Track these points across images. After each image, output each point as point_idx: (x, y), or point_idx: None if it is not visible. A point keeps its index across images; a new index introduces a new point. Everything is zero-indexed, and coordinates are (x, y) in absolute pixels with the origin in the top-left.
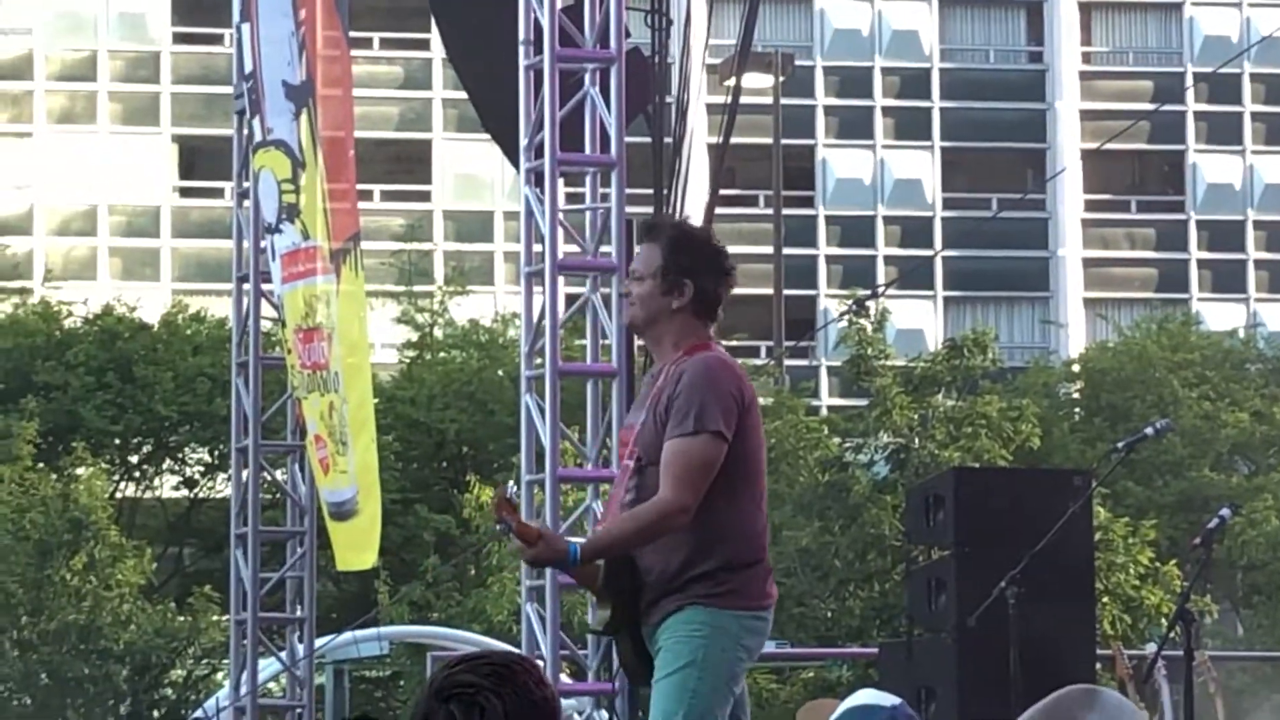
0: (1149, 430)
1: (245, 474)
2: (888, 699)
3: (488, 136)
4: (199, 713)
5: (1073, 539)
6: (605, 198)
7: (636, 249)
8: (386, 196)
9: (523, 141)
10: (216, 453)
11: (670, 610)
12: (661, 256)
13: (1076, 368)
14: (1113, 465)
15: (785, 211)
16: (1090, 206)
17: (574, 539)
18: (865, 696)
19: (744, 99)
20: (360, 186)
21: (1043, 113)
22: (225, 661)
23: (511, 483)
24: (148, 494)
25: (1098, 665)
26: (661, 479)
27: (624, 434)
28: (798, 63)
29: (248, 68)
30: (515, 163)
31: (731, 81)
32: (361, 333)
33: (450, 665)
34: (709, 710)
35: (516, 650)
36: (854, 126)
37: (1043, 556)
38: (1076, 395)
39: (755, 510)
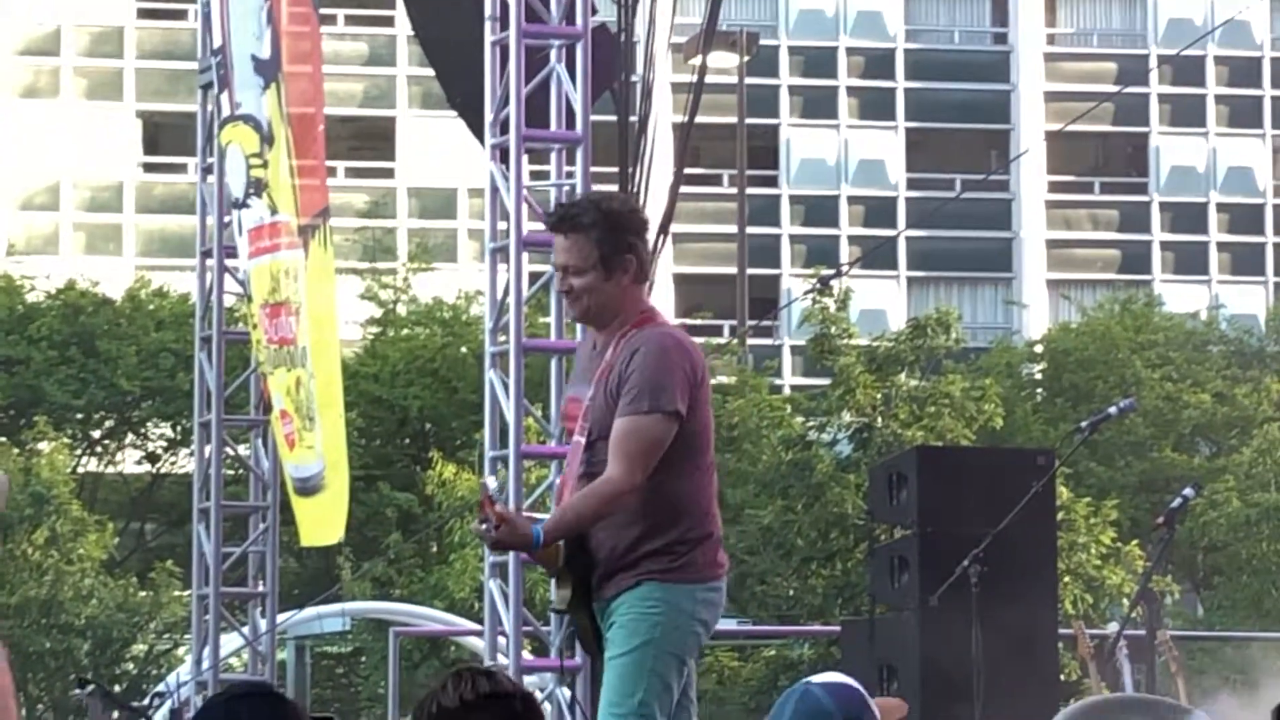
0: (1112, 410)
1: (208, 449)
2: (816, 679)
3: (453, 113)
4: (160, 687)
5: (1035, 518)
6: (570, 175)
7: (558, 240)
8: (351, 173)
9: (488, 118)
10: (179, 427)
11: (625, 586)
12: (596, 245)
13: (1039, 348)
14: (1075, 445)
15: (749, 191)
16: (1053, 188)
17: (537, 521)
18: (795, 690)
19: (709, 78)
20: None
21: (1007, 94)
22: (187, 636)
23: (492, 478)
24: (110, 469)
25: (1060, 644)
26: (610, 455)
27: (570, 407)
28: (762, 42)
29: (216, 42)
30: (480, 139)
31: (697, 60)
32: (330, 308)
33: (440, 687)
34: (667, 687)
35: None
36: (818, 106)
37: (1005, 536)
38: (1039, 375)
39: (705, 484)
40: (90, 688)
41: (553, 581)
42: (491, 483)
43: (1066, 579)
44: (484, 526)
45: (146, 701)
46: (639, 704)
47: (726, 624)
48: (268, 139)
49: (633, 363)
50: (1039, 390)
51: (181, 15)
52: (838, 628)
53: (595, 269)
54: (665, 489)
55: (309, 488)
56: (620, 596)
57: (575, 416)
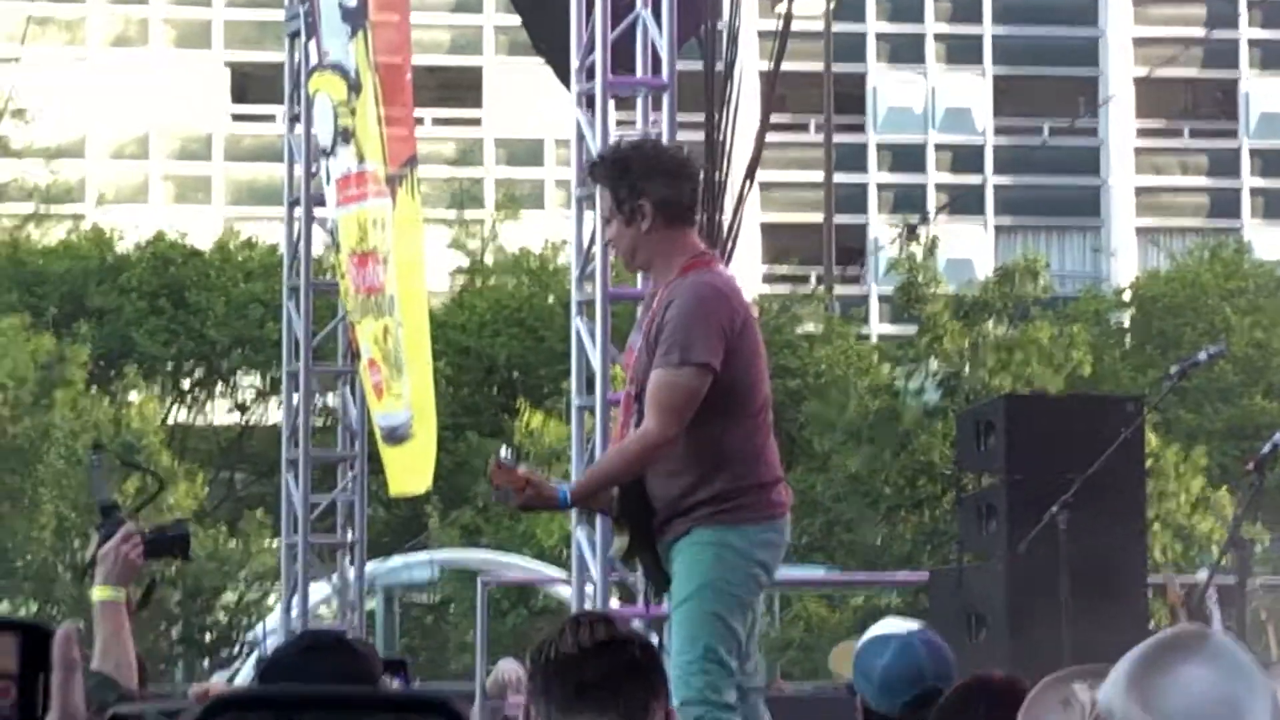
0: (1201, 356)
1: (296, 398)
2: (906, 625)
3: (540, 60)
4: (250, 636)
5: (1124, 465)
6: (656, 121)
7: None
8: (438, 122)
9: (574, 64)
10: (268, 377)
11: (680, 532)
12: (611, 192)
13: (1128, 295)
14: (1164, 391)
15: (836, 138)
16: (1142, 133)
17: (563, 483)
18: (884, 626)
19: (795, 25)
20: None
21: (1095, 39)
22: (276, 585)
23: (503, 448)
24: (199, 419)
25: (1149, 592)
26: (646, 409)
27: (626, 357)
28: None
29: None
30: (567, 86)
31: (782, 7)
32: (418, 257)
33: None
34: (730, 629)
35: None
36: (905, 52)
37: (1094, 483)
38: (1127, 322)
39: (753, 431)
40: (102, 452)
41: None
42: (504, 452)
43: (1155, 526)
44: (497, 495)
45: (236, 649)
46: (704, 649)
47: (814, 572)
48: (355, 87)
49: (668, 313)
50: (1127, 337)
51: None
52: (925, 575)
53: (615, 217)
54: (711, 438)
55: (397, 436)
56: (677, 543)
57: (629, 367)
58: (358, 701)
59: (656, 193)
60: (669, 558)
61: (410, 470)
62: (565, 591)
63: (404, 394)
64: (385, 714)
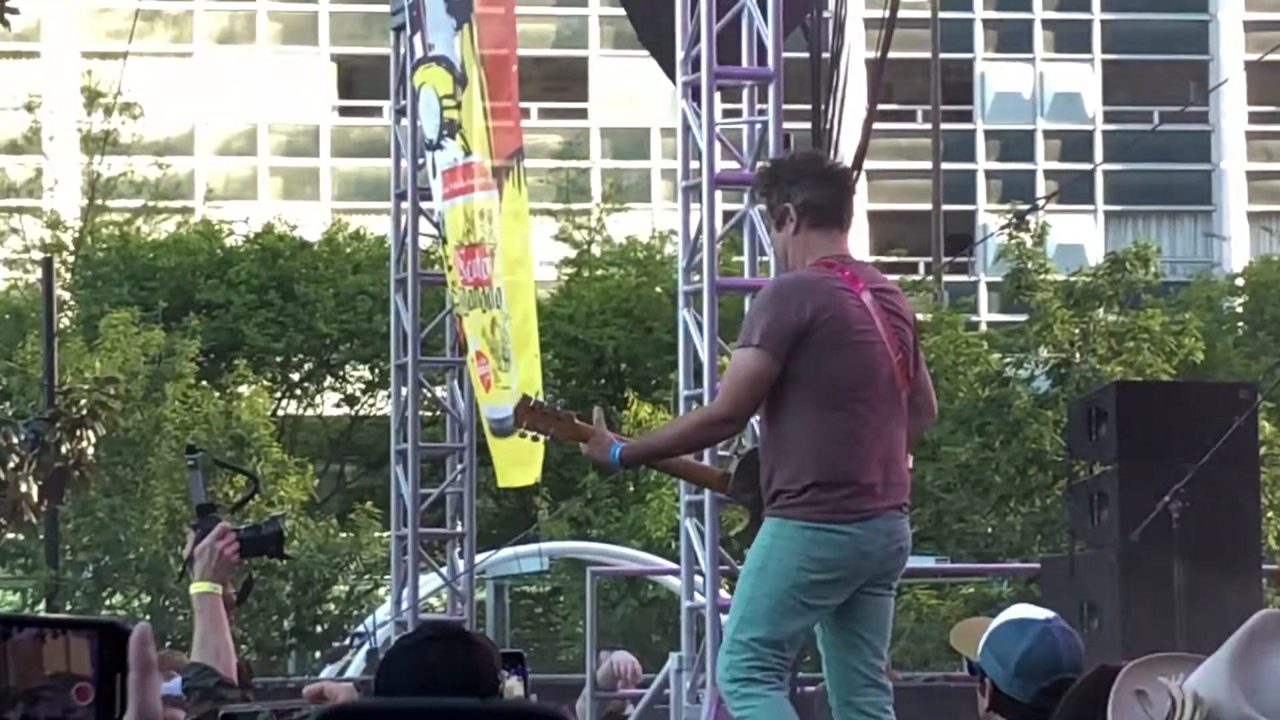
0: None
1: (405, 391)
2: (1042, 612)
3: (645, 52)
4: (360, 628)
5: (1237, 453)
6: (762, 112)
7: None
8: (544, 114)
9: (679, 55)
10: (377, 370)
11: (762, 520)
12: (766, 203)
13: (1240, 281)
14: (1278, 378)
15: (944, 126)
16: (1254, 119)
17: (619, 440)
18: (1020, 611)
19: (902, 12)
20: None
21: (1205, 24)
22: (387, 577)
23: (526, 394)
24: (309, 411)
25: (1264, 580)
26: (721, 387)
27: None
28: None
29: None
30: (672, 77)
31: None
32: (524, 249)
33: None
34: (770, 616)
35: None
36: (1013, 39)
37: (1207, 471)
38: (1240, 309)
39: (833, 432)
40: (198, 454)
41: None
42: (530, 398)
43: (1269, 514)
44: (526, 433)
45: (347, 641)
46: (739, 622)
47: (924, 562)
48: (460, 80)
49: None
50: (1240, 324)
51: None
52: (1037, 565)
53: (772, 225)
54: (786, 433)
55: (505, 429)
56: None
57: None
58: (471, 715)
59: (799, 197)
60: None
61: (518, 462)
62: (675, 582)
63: (511, 386)
64: None
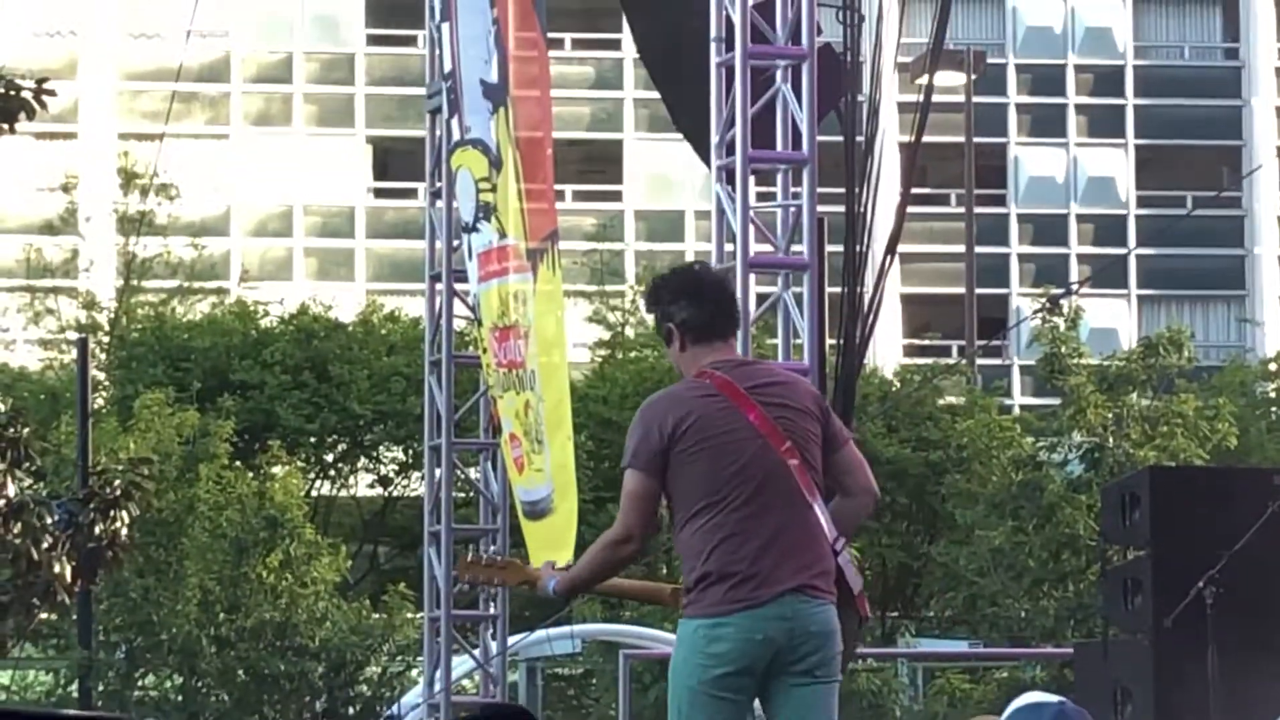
0: None
1: (439, 472)
2: (1052, 697)
3: (679, 135)
4: (392, 710)
5: (1272, 539)
6: (797, 195)
7: None
8: (578, 196)
9: (714, 139)
10: (410, 451)
11: None
12: (654, 321)
13: (1274, 366)
14: None
15: (977, 210)
16: None
17: (553, 576)
18: (1031, 697)
19: (936, 97)
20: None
21: (1239, 109)
22: (419, 659)
23: (470, 554)
24: (343, 492)
25: None
26: None
27: None
28: (990, 60)
29: (446, 67)
30: (706, 161)
31: (923, 79)
32: (559, 331)
33: None
34: (689, 713)
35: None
36: (1047, 124)
37: (1242, 557)
38: (1274, 394)
39: (709, 531)
40: None
41: None
42: (470, 554)
43: None
44: (467, 587)
45: None
46: None
47: (957, 646)
48: (496, 163)
49: None
50: (1274, 409)
51: (411, 41)
52: (1070, 650)
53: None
54: (680, 540)
55: (538, 511)
56: None
57: None
58: None
59: (676, 316)
60: None
61: (551, 544)
62: None
63: (545, 468)
64: None
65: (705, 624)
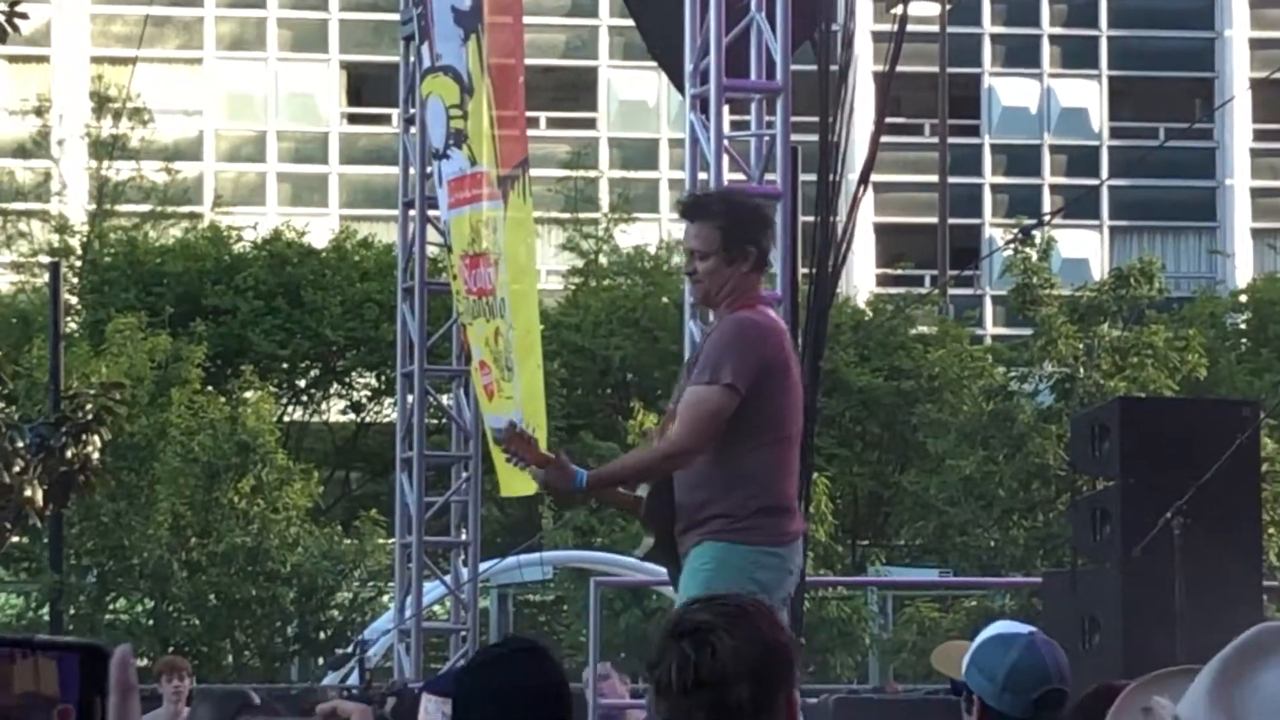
0: None
1: (411, 399)
2: (1023, 627)
3: (654, 63)
4: (363, 635)
5: (1239, 470)
6: (770, 124)
7: (688, 226)
8: (552, 124)
9: (688, 67)
10: (383, 377)
11: (693, 543)
12: (720, 233)
13: (1244, 298)
14: None
15: (950, 140)
16: (1259, 136)
17: (580, 471)
18: (1001, 626)
19: (910, 27)
20: (526, 114)
21: (1211, 41)
22: (390, 585)
23: (511, 419)
24: (315, 418)
25: (1264, 597)
26: (677, 421)
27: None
28: None
29: None
30: (681, 89)
31: (898, 9)
32: (529, 259)
33: (687, 605)
34: None
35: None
36: (1020, 55)
37: (1209, 487)
38: (1244, 326)
39: (774, 460)
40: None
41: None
42: (516, 421)
43: (1271, 531)
44: (511, 460)
45: (350, 649)
46: None
47: (927, 575)
48: (468, 90)
49: (708, 340)
50: (1243, 340)
51: None
52: (1039, 579)
53: (718, 254)
54: (732, 459)
55: None
56: (689, 552)
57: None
58: None
59: (763, 244)
60: (684, 565)
61: (520, 472)
62: None
63: (515, 395)
64: None
65: (755, 551)
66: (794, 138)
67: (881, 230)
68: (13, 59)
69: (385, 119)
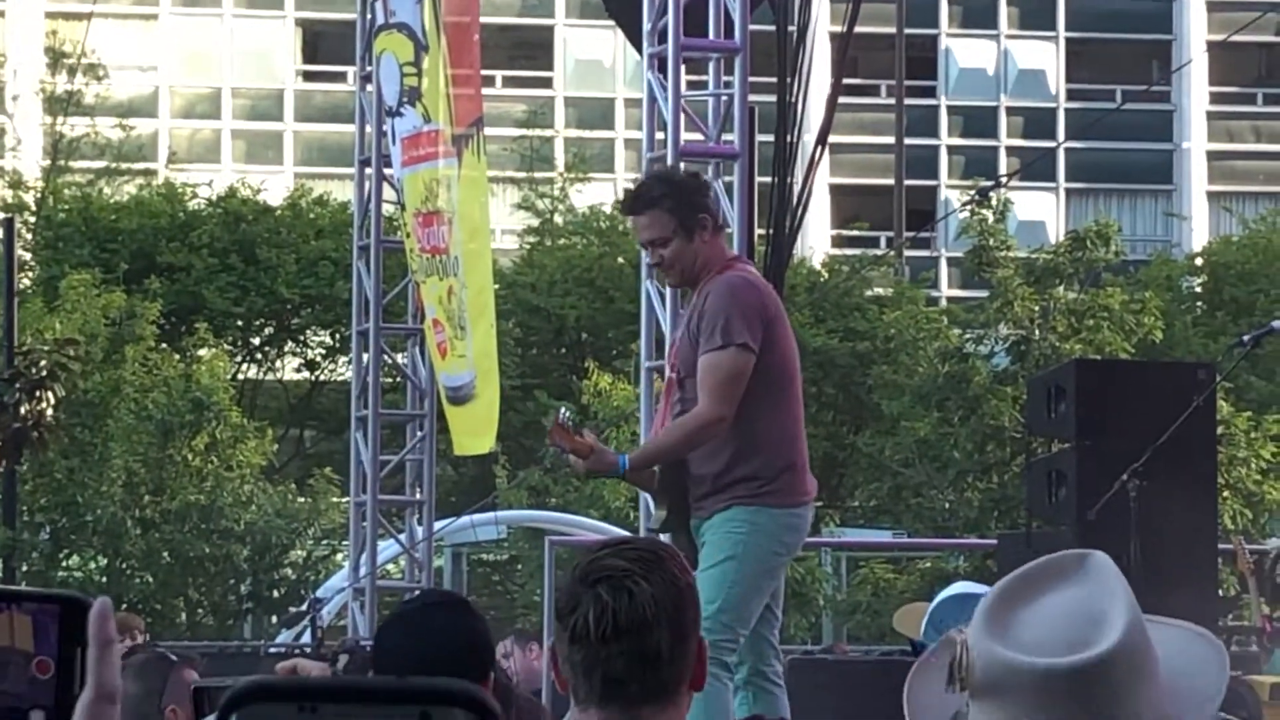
0: (1275, 324)
1: (366, 357)
2: (982, 588)
3: (610, 22)
4: (317, 594)
5: (1195, 432)
6: (728, 85)
7: (635, 220)
8: (508, 83)
9: (646, 26)
10: (338, 335)
11: (717, 508)
12: (670, 214)
13: (1200, 261)
14: (1236, 359)
15: (907, 101)
16: (1216, 99)
17: (622, 453)
18: (960, 587)
19: None
20: (482, 72)
21: (1169, 3)
22: (345, 543)
23: (564, 409)
24: (269, 376)
25: (1219, 560)
26: (699, 392)
27: (671, 349)
28: None
29: None
30: (638, 47)
31: None
32: (483, 218)
33: (596, 551)
34: (744, 600)
35: (656, 539)
36: (977, 16)
37: (1165, 450)
38: (1199, 289)
39: (789, 415)
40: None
41: (658, 500)
42: (564, 412)
43: (1226, 494)
44: (555, 450)
45: (304, 607)
46: (716, 611)
47: (881, 536)
48: (424, 47)
49: (706, 304)
50: (1199, 303)
51: None
52: (994, 541)
53: (677, 235)
54: (750, 421)
55: (460, 397)
56: (712, 518)
57: (673, 358)
58: (383, 693)
59: (711, 207)
60: (700, 533)
61: (473, 431)
62: None
63: (467, 354)
64: (409, 705)
65: (781, 513)
66: (751, 98)
67: (837, 191)
68: None
69: (341, 76)
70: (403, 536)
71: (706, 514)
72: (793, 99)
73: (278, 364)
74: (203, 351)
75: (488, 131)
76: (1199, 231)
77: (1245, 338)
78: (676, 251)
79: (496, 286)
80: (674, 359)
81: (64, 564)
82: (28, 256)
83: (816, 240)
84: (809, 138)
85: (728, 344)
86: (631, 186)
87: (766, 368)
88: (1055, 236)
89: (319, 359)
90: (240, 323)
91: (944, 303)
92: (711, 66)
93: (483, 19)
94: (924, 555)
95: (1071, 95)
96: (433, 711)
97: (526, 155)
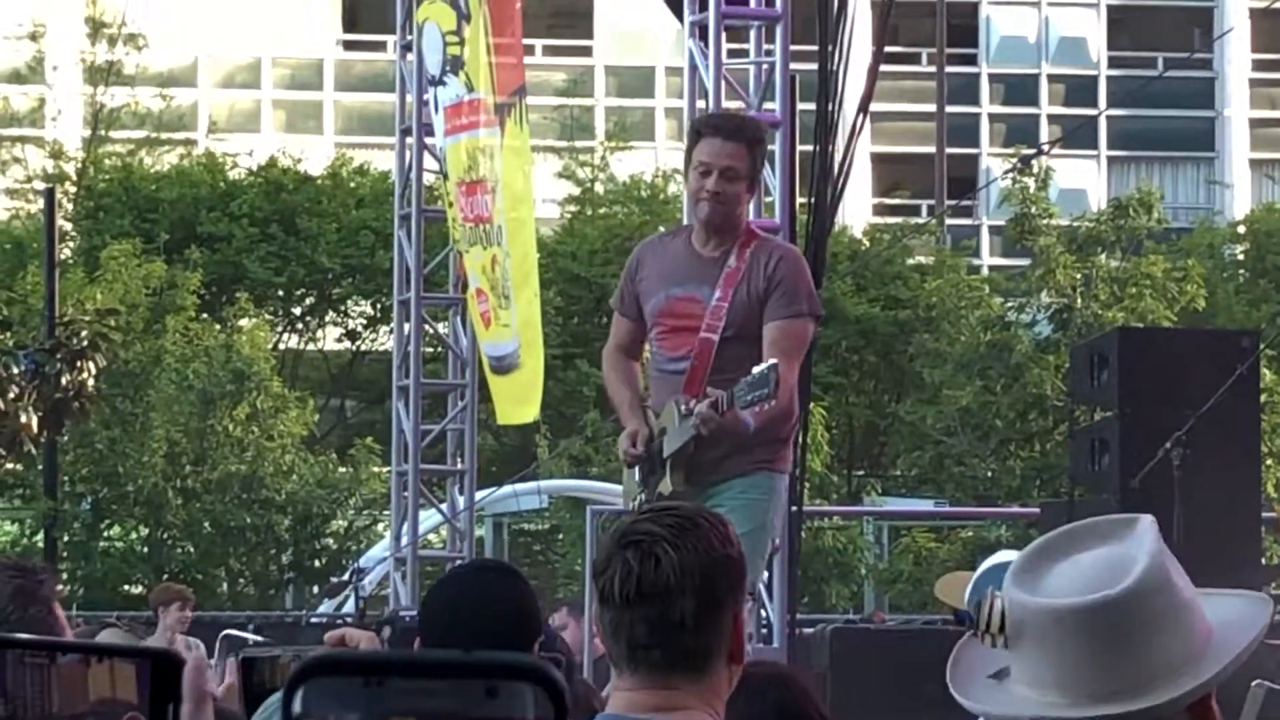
0: None
1: (407, 327)
2: None
3: None
4: (358, 563)
5: (1238, 401)
6: (769, 53)
7: (724, 145)
8: (548, 51)
9: None
10: (379, 305)
11: (736, 471)
12: (752, 160)
13: (1242, 228)
14: (1279, 326)
15: (948, 69)
16: (1258, 66)
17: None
18: (1004, 556)
19: None
20: (523, 41)
21: None
22: (386, 513)
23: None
24: (310, 345)
25: (1262, 528)
26: (777, 353)
27: (679, 305)
28: None
29: None
30: (679, 16)
31: None
32: (526, 187)
33: (637, 514)
34: (756, 571)
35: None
36: None
37: (1208, 418)
38: (1242, 256)
39: (795, 387)
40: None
41: (667, 468)
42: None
43: (1269, 462)
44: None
45: (345, 576)
46: (750, 585)
47: (924, 505)
48: (465, 16)
49: (778, 269)
50: (1242, 271)
51: None
52: (1036, 510)
53: (745, 181)
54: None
55: (504, 366)
56: (731, 480)
57: (689, 315)
58: (450, 667)
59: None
60: (715, 493)
61: (517, 399)
62: None
63: (511, 323)
64: (476, 679)
65: (784, 479)
66: (792, 66)
67: (878, 160)
68: None
69: (381, 45)
70: (444, 506)
71: (723, 475)
72: (834, 67)
73: (319, 334)
74: (243, 321)
75: (528, 100)
76: (1241, 199)
77: None
78: (738, 194)
79: (538, 255)
80: (712, 317)
81: (105, 534)
82: (68, 227)
83: (858, 209)
84: (850, 106)
85: (813, 313)
86: (725, 112)
87: None
88: (1097, 204)
89: (360, 329)
90: (281, 292)
91: (985, 271)
92: (753, 34)
93: None
94: (966, 524)
95: (1113, 63)
96: (500, 686)
97: (567, 124)
